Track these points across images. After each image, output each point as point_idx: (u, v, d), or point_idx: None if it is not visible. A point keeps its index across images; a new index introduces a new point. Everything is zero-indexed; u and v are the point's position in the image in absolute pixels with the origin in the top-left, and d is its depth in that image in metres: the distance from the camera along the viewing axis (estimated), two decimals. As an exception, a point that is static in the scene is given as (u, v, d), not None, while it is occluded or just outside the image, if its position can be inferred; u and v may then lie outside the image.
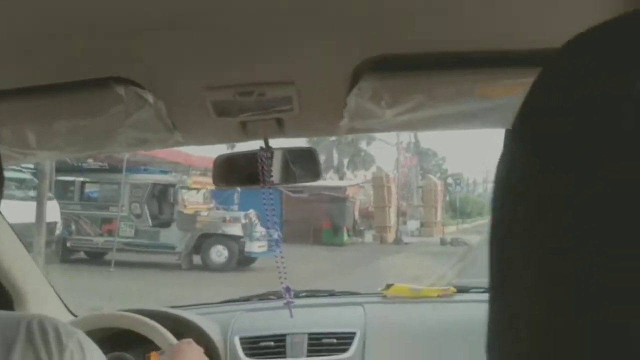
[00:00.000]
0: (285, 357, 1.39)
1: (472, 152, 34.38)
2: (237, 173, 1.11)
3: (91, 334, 0.83)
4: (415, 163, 21.61)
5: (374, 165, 20.60)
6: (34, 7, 0.54)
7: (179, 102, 0.81)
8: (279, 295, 1.61)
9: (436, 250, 13.27)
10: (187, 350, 1.03)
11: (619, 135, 0.18)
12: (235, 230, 9.88)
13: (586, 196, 0.18)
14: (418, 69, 0.69)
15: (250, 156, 1.05)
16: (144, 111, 0.77)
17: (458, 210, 18.68)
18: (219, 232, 9.83)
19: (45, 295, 1.34)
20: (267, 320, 1.51)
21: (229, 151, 1.18)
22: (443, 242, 14.62)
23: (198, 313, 1.49)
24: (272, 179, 1.04)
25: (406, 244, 14.93)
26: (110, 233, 9.99)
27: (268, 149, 1.03)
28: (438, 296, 1.60)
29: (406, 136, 20.72)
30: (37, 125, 0.81)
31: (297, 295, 1.62)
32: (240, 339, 1.43)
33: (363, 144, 23.12)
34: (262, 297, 1.70)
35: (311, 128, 1.04)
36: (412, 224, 17.42)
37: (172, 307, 1.56)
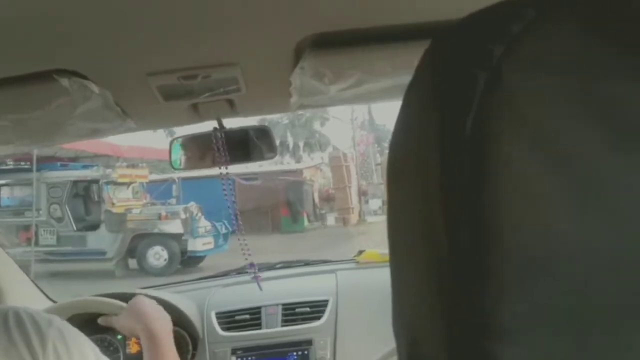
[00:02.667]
0: (261, 328, 1.46)
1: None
2: (193, 155, 1.14)
3: (72, 319, 1.03)
4: (372, 140, 20.42)
5: (330, 146, 19.11)
6: None
7: (125, 90, 0.82)
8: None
9: None
10: (139, 301, 1.04)
11: (462, 131, 0.20)
12: (174, 227, 8.32)
13: (452, 180, 0.21)
14: (356, 45, 0.72)
15: (205, 137, 1.09)
16: (91, 102, 0.78)
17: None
18: (155, 231, 8.06)
19: (21, 283, 1.38)
20: (243, 294, 1.57)
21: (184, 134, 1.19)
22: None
23: (173, 292, 1.54)
24: (228, 158, 1.08)
25: (370, 223, 14.48)
26: (29, 242, 8.14)
27: (222, 128, 1.07)
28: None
29: (360, 113, 19.33)
30: None
31: (271, 267, 1.74)
32: (217, 314, 1.49)
33: (317, 125, 21.91)
34: (239, 271, 1.74)
35: (262, 106, 1.07)
36: (375, 203, 16.83)
37: (147, 287, 1.61)
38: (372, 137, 21.41)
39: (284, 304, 1.49)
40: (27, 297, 1.37)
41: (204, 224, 9.05)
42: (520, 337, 0.20)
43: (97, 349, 0.75)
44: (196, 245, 8.82)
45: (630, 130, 0.18)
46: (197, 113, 0.96)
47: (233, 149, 1.08)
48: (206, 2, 0.59)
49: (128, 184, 9.68)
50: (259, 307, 1.49)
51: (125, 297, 1.18)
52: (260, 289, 1.48)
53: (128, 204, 9.35)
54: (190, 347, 1.42)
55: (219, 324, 1.47)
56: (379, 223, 14.01)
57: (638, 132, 0.18)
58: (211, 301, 1.52)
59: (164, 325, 0.99)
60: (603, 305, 0.19)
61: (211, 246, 8.90)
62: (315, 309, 1.48)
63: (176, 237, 8.82)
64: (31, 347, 0.64)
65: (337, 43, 0.71)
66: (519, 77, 0.20)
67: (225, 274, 1.76)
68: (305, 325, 1.45)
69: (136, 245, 8.79)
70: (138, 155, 9.99)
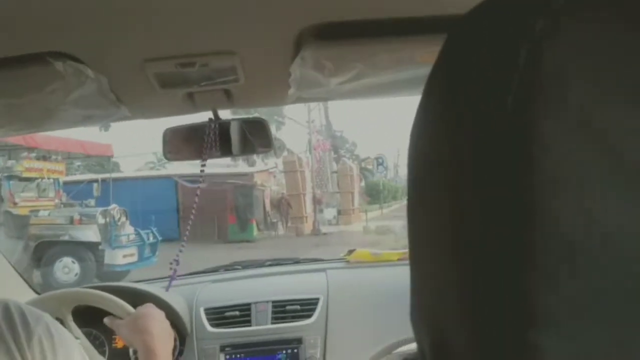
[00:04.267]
0: (250, 325, 1.43)
1: (382, 137, 32.90)
2: (187, 146, 1.11)
3: (58, 312, 1.03)
4: (328, 147, 19.32)
5: (286, 150, 17.82)
6: None
7: (121, 76, 0.80)
8: (244, 266, 1.70)
9: (360, 240, 11.62)
10: (148, 314, 1.02)
11: (503, 109, 0.19)
12: (89, 234, 6.76)
13: (490, 162, 0.20)
14: (359, 37, 0.70)
15: (199, 128, 1.06)
16: (85, 87, 0.76)
17: (382, 194, 16.55)
18: (65, 238, 6.42)
19: (6, 274, 1.36)
20: (233, 291, 1.54)
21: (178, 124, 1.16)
22: (366, 231, 11.99)
23: (162, 287, 1.50)
24: (223, 149, 1.07)
25: (325, 234, 13.37)
26: None
27: (217, 119, 1.04)
28: (398, 259, 1.61)
29: (317, 116, 18.33)
30: None
31: (261, 265, 1.73)
32: (205, 310, 1.45)
33: (272, 129, 20.20)
34: (227, 268, 1.73)
35: (259, 98, 1.04)
36: (330, 212, 15.91)
37: (136, 281, 1.61)
38: (328, 143, 20.56)
39: (274, 301, 1.46)
40: (12, 288, 1.36)
41: (127, 231, 7.44)
42: (563, 326, 0.19)
43: (85, 354, 0.74)
44: (115, 257, 7.14)
45: None
46: (193, 103, 0.94)
47: (227, 141, 1.06)
48: None
49: (36, 180, 7.89)
50: (249, 304, 1.45)
51: (129, 293, 1.20)
52: (167, 290, 1.44)
53: (34, 205, 7.61)
54: (179, 343, 1.39)
55: (208, 320, 1.43)
56: (334, 234, 13.00)
57: None
58: (200, 297, 1.48)
59: (166, 345, 0.97)
60: None
61: (134, 259, 7.28)
62: (305, 307, 1.45)
63: (91, 246, 7.20)
64: (18, 341, 0.64)
65: (339, 35, 0.70)
66: (561, 55, 0.19)
67: (215, 270, 1.73)
68: (295, 323, 1.42)
69: (41, 254, 7.11)
70: (54, 146, 8.23)
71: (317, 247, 10.27)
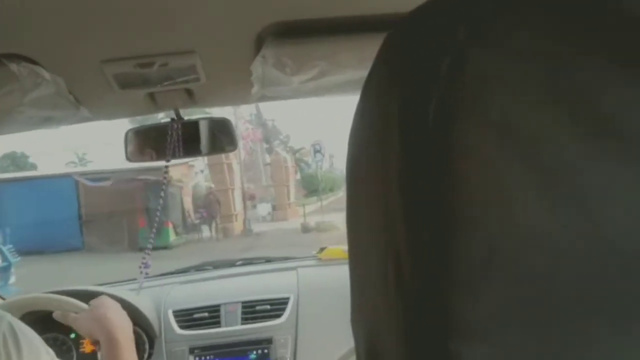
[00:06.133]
0: (220, 327, 1.39)
1: (317, 127, 31.57)
2: (150, 147, 1.07)
3: (23, 318, 0.99)
4: (260, 137, 17.48)
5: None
6: None
7: (79, 77, 0.78)
8: (215, 266, 1.67)
9: (298, 240, 10.06)
10: (103, 304, 0.97)
11: (425, 117, 0.19)
12: None
13: (412, 170, 0.20)
14: (319, 35, 0.69)
15: (162, 128, 1.03)
16: (42, 88, 0.73)
17: (320, 186, 14.99)
18: None
19: None
20: (202, 292, 1.50)
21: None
22: (305, 229, 10.33)
23: (130, 289, 1.45)
24: (185, 150, 1.03)
25: (258, 234, 11.73)
26: None
27: (179, 119, 1.01)
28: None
29: (246, 106, 16.33)
30: None
31: (232, 264, 1.70)
32: (174, 312, 1.41)
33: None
34: (198, 268, 1.69)
35: (222, 97, 1.01)
36: (263, 208, 14.63)
37: (103, 284, 1.52)
38: (260, 133, 18.74)
39: (243, 302, 1.44)
40: None
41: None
42: (484, 335, 0.19)
43: (51, 351, 0.73)
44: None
45: (599, 120, 0.17)
46: (154, 103, 0.92)
47: (191, 140, 1.03)
48: None
49: None
50: (218, 305, 1.43)
51: (84, 295, 1.14)
52: (138, 293, 1.41)
53: None
54: (147, 346, 1.35)
55: (177, 322, 1.40)
56: (267, 234, 11.28)
57: (606, 121, 0.17)
58: (169, 299, 1.45)
59: (126, 332, 0.94)
60: (568, 299, 0.18)
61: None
62: (275, 307, 1.43)
63: None
64: None
65: (300, 32, 0.68)
66: (484, 62, 0.19)
67: (184, 271, 1.69)
68: (265, 323, 1.40)
69: None
70: None
71: (247, 251, 8.85)
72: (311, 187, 18.14)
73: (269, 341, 1.34)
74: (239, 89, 0.88)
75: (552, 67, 0.18)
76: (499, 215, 0.18)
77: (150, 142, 1.05)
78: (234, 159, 12.85)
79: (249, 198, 13.78)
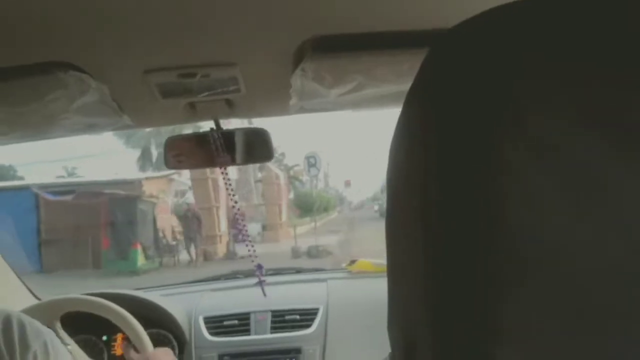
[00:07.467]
0: (249, 335, 1.41)
1: (313, 145, 30.42)
2: (189, 155, 1.10)
3: (55, 316, 1.02)
4: (251, 151, 15.87)
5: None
6: None
7: (123, 86, 0.81)
8: (246, 274, 1.69)
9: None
10: (162, 357, 1.02)
11: (469, 130, 0.20)
12: None
13: (453, 182, 0.21)
14: (358, 50, 0.70)
15: (202, 137, 1.06)
16: (88, 96, 0.77)
17: (314, 205, 13.71)
18: None
19: (7, 280, 1.34)
20: (232, 299, 1.54)
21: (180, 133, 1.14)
22: (296, 254, 8.88)
23: (162, 294, 1.51)
24: (225, 158, 1.06)
25: (243, 258, 9.07)
26: None
27: (219, 129, 1.04)
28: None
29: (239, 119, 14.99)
30: None
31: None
32: (204, 318, 1.44)
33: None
34: (228, 277, 1.74)
35: (261, 108, 1.03)
36: (253, 228, 13.27)
37: (137, 289, 1.55)
38: (251, 147, 17.34)
39: (273, 311, 1.45)
40: (12, 293, 1.35)
41: None
42: (518, 338, 0.20)
43: None
44: None
45: (630, 137, 0.19)
46: (194, 112, 0.94)
47: (230, 150, 1.06)
48: (208, 1, 0.58)
49: None
50: (248, 313, 1.45)
51: (120, 299, 1.18)
52: (265, 294, 1.38)
53: None
54: (177, 351, 1.38)
55: (207, 328, 1.42)
56: (257, 256, 9.77)
57: (638, 138, 0.19)
58: (200, 305, 1.49)
59: None
60: (602, 306, 0.19)
61: None
62: (305, 317, 1.44)
63: None
64: (12, 354, 0.63)
65: (339, 47, 0.70)
66: (524, 85, 0.20)
67: (216, 279, 1.72)
68: (294, 333, 1.41)
69: None
70: None
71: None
72: (305, 207, 16.80)
73: (297, 351, 1.36)
74: (278, 100, 0.90)
75: (585, 87, 0.19)
76: (536, 226, 0.19)
77: (189, 150, 1.06)
78: (220, 175, 11.58)
79: (239, 216, 12.46)
